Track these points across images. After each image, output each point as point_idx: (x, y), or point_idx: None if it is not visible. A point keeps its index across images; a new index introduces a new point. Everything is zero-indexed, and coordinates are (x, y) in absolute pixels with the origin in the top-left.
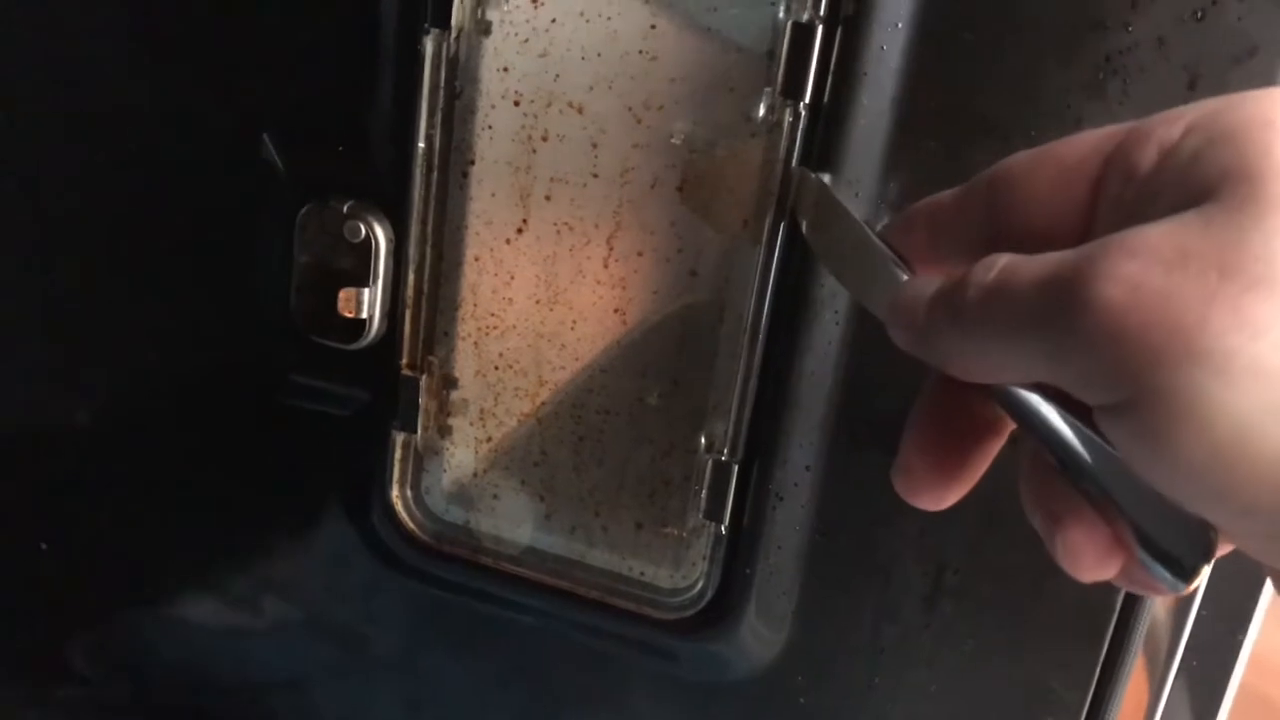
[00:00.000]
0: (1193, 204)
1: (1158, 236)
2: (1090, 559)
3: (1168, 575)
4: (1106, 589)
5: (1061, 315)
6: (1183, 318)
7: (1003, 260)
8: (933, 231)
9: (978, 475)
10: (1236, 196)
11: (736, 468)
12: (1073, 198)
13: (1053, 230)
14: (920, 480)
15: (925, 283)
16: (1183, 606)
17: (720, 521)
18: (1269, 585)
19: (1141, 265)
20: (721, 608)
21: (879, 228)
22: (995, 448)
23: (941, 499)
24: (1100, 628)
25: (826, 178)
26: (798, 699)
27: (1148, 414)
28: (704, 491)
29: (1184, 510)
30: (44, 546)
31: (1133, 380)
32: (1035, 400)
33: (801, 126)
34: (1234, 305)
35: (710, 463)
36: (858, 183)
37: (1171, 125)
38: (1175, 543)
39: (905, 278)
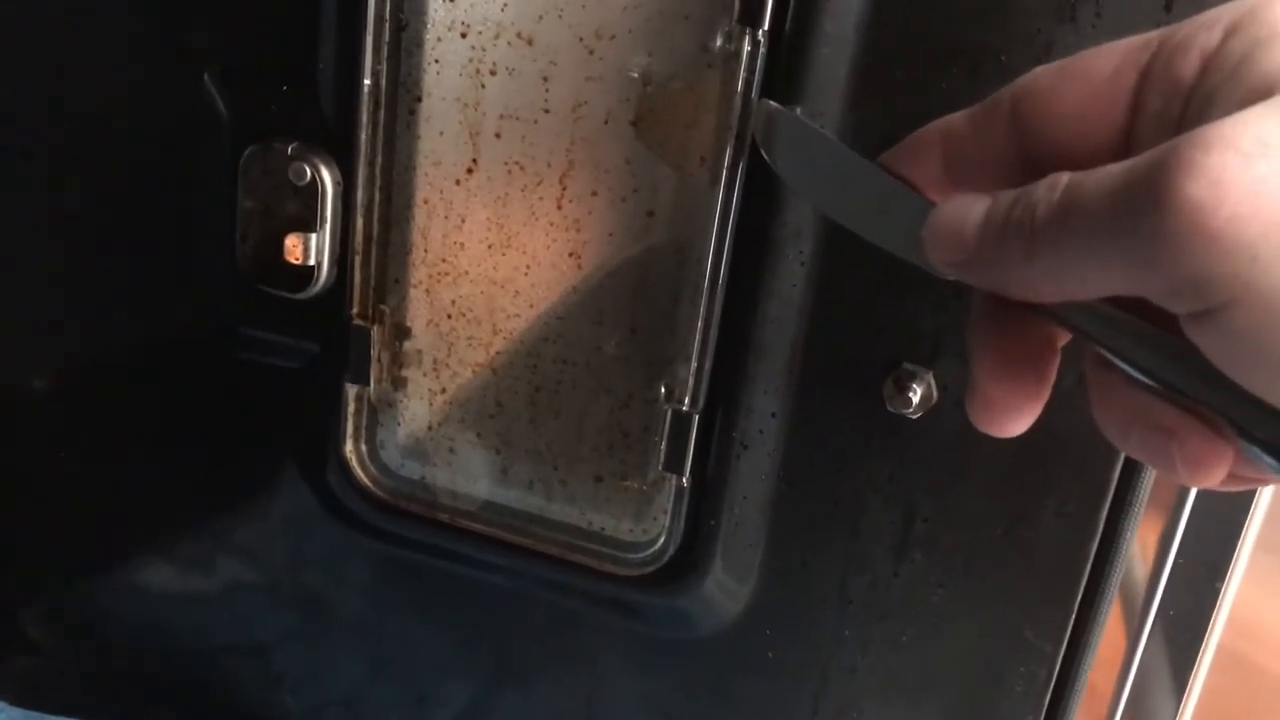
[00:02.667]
0: (1253, 102)
1: (1231, 129)
2: (1211, 464)
3: None
4: (1080, 535)
5: (1144, 220)
6: (1274, 209)
7: (1066, 176)
8: (947, 157)
9: (1047, 391)
10: None
11: (697, 418)
12: (1108, 116)
13: (1087, 150)
14: (1002, 407)
15: (966, 204)
16: (1160, 554)
17: (680, 474)
18: (1247, 535)
19: (1220, 158)
20: (686, 561)
21: (877, 158)
22: (1055, 361)
23: (1022, 422)
24: (1074, 575)
25: (798, 110)
26: (766, 652)
27: (1248, 316)
28: (664, 443)
29: None
30: None
31: (1229, 281)
32: (1108, 314)
33: (761, 56)
34: None
35: (670, 413)
36: (821, 115)
37: (1209, 31)
38: None
39: (926, 204)
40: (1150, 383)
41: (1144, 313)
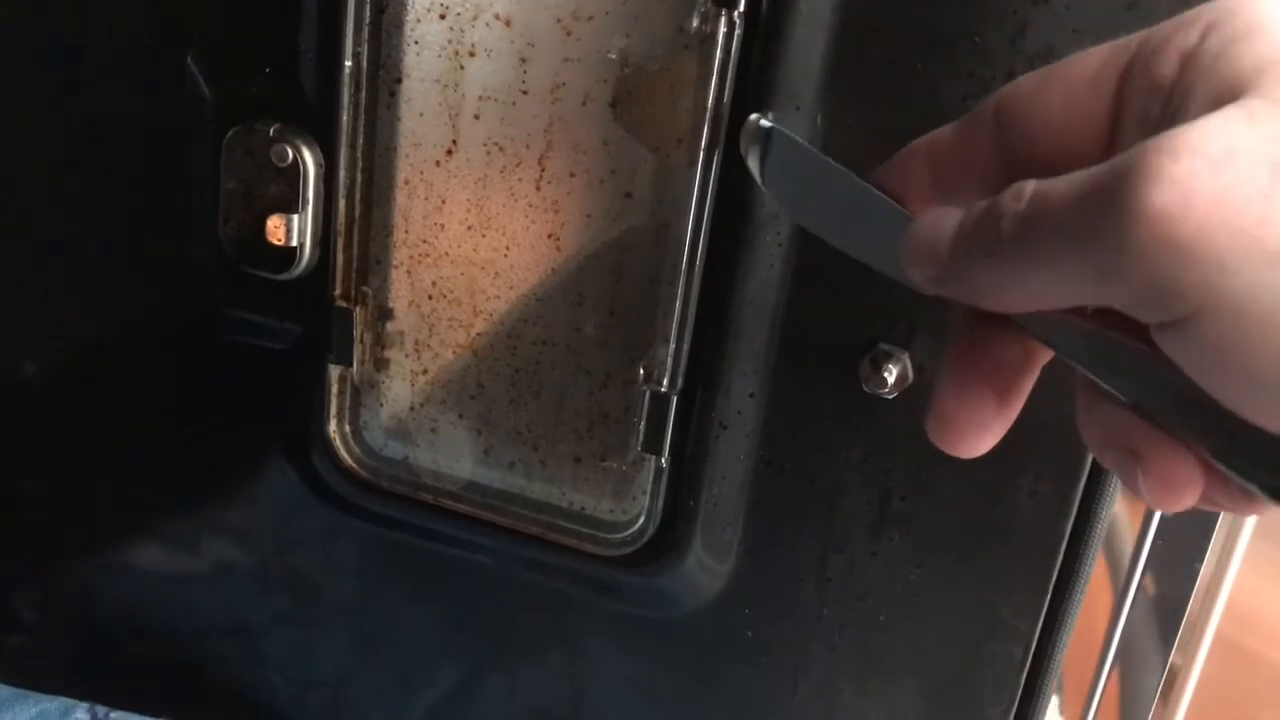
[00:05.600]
0: (1226, 101)
1: (1200, 135)
2: (1178, 490)
3: (1266, 496)
4: (1056, 514)
5: (1109, 230)
6: (1241, 218)
7: (1032, 184)
8: (935, 170)
9: (1015, 414)
10: (1277, 88)
11: (676, 399)
12: (1090, 119)
13: (1071, 155)
14: (961, 429)
15: (940, 217)
16: (1140, 533)
17: (659, 454)
18: (1224, 516)
19: (1187, 165)
20: (665, 541)
21: (866, 175)
22: (1029, 383)
23: (982, 445)
24: (1050, 555)
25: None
26: (745, 632)
27: (1218, 325)
28: (643, 424)
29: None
30: None
31: (1197, 290)
32: (1078, 327)
33: (737, 37)
34: None
35: (648, 394)
36: (797, 97)
37: (1188, 29)
38: (1265, 457)
39: (908, 219)
40: (1124, 399)
41: (1117, 322)
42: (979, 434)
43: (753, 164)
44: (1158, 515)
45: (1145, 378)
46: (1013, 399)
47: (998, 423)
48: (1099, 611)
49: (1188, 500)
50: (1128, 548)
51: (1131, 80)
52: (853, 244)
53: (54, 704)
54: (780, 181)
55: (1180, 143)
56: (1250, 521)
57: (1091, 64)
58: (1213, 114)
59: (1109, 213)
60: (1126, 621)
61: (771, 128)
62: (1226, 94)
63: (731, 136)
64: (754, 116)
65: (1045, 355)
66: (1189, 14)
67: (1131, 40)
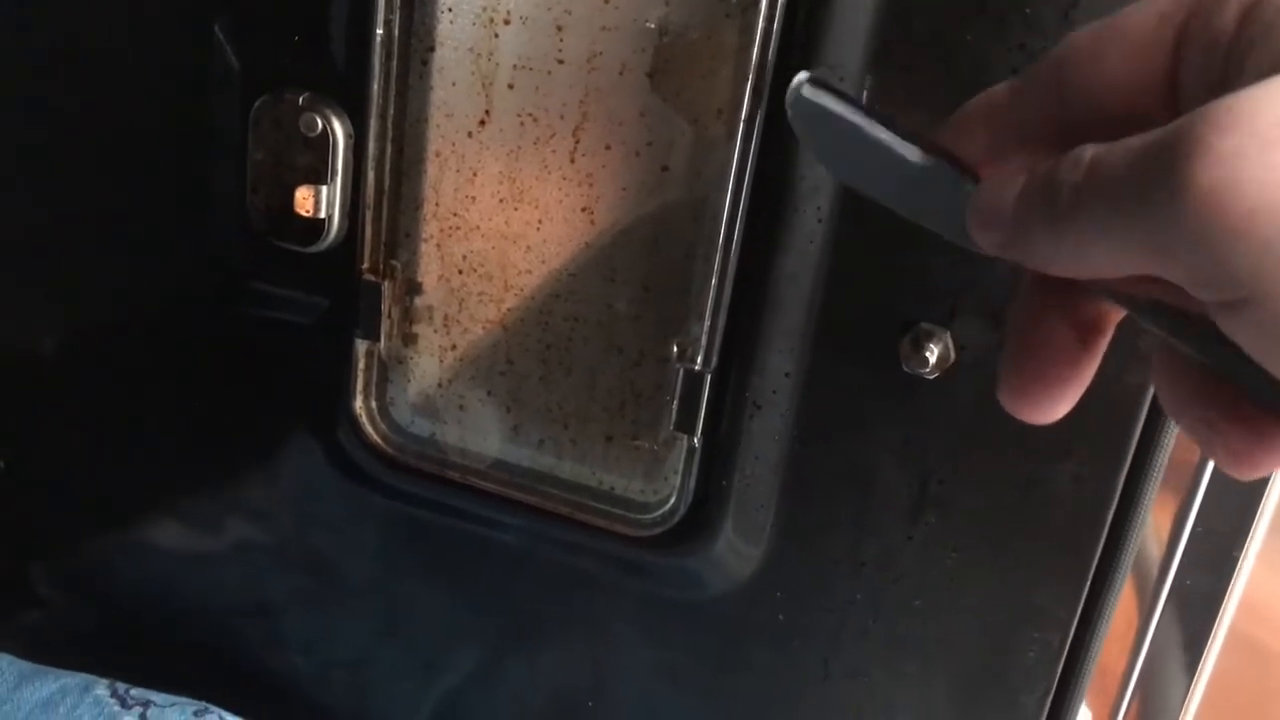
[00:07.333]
0: None
1: (1250, 108)
2: (1257, 459)
3: None
4: (1097, 501)
5: (1159, 203)
6: None
7: (1090, 151)
8: (992, 131)
9: (1089, 377)
10: None
11: (709, 377)
12: (1150, 75)
13: (1132, 114)
14: (1034, 397)
15: (1005, 182)
16: (1177, 521)
17: (691, 434)
18: (1265, 507)
19: (1235, 143)
20: (697, 522)
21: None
22: (1103, 344)
23: (1056, 411)
24: (1090, 541)
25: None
26: (776, 615)
27: (1272, 310)
28: (675, 403)
29: None
30: (1, 465)
31: (1249, 275)
32: (1147, 292)
33: (780, 4)
34: None
35: (682, 372)
36: (841, 67)
37: None
38: None
39: (972, 183)
40: (1198, 359)
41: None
42: (1052, 404)
43: (800, 127)
44: (1197, 503)
45: (1214, 345)
46: (1086, 365)
47: (1072, 391)
48: (1123, 604)
49: (1266, 469)
50: (1157, 540)
51: (1190, 35)
52: (912, 208)
53: (74, 679)
54: (830, 146)
55: (1229, 117)
56: (1266, 515)
57: (1149, 18)
58: (1265, 83)
59: (1159, 187)
60: (1159, 616)
61: (822, 86)
62: None
63: (773, 107)
64: (803, 76)
65: (1119, 313)
66: None
67: None
